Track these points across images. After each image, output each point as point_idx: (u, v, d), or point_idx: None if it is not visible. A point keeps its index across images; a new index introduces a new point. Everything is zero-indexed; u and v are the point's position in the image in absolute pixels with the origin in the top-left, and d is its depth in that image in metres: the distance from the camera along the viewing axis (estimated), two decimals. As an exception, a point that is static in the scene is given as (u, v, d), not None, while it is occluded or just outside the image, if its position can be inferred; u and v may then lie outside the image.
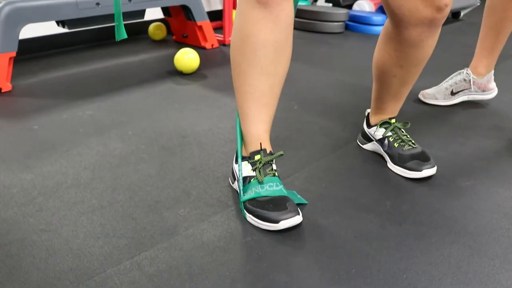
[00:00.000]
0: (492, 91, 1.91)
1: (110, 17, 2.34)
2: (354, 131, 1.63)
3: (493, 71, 1.91)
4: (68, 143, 1.54)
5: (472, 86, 1.89)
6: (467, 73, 1.89)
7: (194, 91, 2.04)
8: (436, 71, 2.26)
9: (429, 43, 1.14)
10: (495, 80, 1.95)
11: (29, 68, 2.41)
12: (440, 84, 1.95)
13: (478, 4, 3.84)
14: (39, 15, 2.09)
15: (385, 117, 1.40)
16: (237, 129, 1.20)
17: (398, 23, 1.10)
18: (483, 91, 1.90)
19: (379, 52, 1.26)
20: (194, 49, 2.33)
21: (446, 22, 3.70)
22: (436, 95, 1.93)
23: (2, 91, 2.06)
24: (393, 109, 1.38)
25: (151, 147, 1.51)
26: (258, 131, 1.15)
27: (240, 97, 1.13)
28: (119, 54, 2.67)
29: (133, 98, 1.96)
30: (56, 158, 1.44)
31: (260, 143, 1.15)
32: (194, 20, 2.64)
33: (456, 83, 1.90)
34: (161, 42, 2.96)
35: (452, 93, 1.91)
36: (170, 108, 1.84)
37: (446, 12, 1.07)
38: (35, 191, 1.26)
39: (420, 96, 1.96)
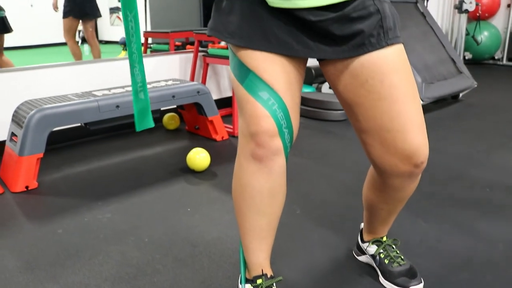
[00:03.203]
0: None
1: (128, 117, 2.55)
2: (352, 240, 1.78)
3: None
4: (90, 250, 1.70)
5: None
6: None
7: (205, 192, 2.21)
8: (445, 165, 2.43)
9: (410, 187, 1.30)
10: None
11: (53, 161, 2.61)
12: None
13: (475, 85, 4.06)
14: (65, 120, 2.31)
15: (376, 236, 1.55)
16: (240, 257, 1.35)
17: (382, 173, 1.26)
18: None
19: (367, 190, 1.42)
20: (205, 141, 2.51)
21: (447, 105, 3.91)
22: None
23: (29, 188, 2.25)
24: (383, 231, 1.53)
25: (165, 257, 1.66)
26: (259, 260, 1.30)
27: (242, 232, 1.29)
28: (135, 146, 2.87)
29: (148, 199, 2.13)
30: (80, 267, 1.60)
31: (262, 269, 1.30)
32: (205, 115, 2.86)
33: None
34: (175, 132, 3.18)
35: None
36: (183, 212, 2.01)
37: (423, 166, 1.23)
38: (61, 304, 1.41)
39: None
